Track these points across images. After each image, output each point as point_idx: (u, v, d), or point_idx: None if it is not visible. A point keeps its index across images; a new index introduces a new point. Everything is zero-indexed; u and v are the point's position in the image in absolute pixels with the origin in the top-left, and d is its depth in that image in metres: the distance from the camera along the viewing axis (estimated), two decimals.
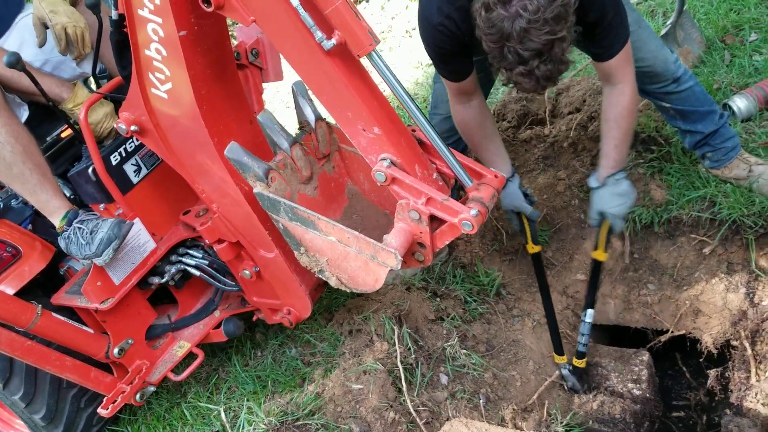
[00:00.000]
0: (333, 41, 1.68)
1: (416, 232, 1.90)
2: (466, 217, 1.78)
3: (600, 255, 2.52)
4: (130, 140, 2.41)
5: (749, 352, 2.47)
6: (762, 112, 3.04)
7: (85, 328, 2.47)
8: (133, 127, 2.16)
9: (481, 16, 1.81)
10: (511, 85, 2.05)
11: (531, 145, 3.38)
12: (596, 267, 2.57)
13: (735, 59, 3.46)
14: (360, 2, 7.30)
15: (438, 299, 2.75)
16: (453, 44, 2.18)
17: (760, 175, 2.63)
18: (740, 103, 3.05)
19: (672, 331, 2.76)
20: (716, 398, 2.71)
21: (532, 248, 2.52)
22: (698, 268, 2.72)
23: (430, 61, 2.80)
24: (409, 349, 2.43)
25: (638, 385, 2.63)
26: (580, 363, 2.66)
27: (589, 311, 2.59)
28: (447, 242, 1.92)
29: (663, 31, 3.57)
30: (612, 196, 2.34)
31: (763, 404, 2.24)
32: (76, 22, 2.27)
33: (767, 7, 3.74)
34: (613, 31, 2.13)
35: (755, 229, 2.54)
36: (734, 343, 2.58)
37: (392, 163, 1.83)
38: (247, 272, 2.44)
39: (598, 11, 2.04)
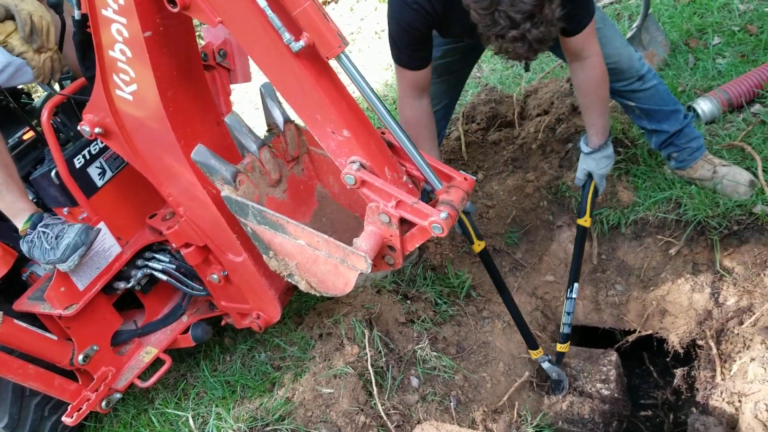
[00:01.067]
0: (301, 43, 1.66)
1: (386, 235, 1.89)
2: (435, 220, 1.78)
3: (587, 221, 2.58)
4: (95, 142, 2.36)
5: (714, 351, 2.51)
6: (725, 115, 3.10)
7: (48, 334, 2.41)
8: (97, 129, 2.11)
9: None
10: (503, 56, 2.01)
11: (500, 147, 3.40)
12: (582, 235, 2.62)
13: (699, 62, 3.52)
14: (329, 4, 7.28)
15: (408, 302, 2.75)
16: (426, 25, 2.20)
17: (724, 176, 2.68)
18: (704, 106, 3.10)
19: (639, 331, 2.80)
20: (683, 397, 2.76)
21: (478, 246, 2.48)
22: (664, 268, 2.76)
23: None
24: (380, 352, 2.42)
25: (607, 385, 2.66)
26: (564, 347, 2.67)
27: (575, 286, 2.61)
28: (417, 245, 1.92)
29: (629, 34, 3.63)
30: (601, 159, 2.47)
31: (728, 402, 2.27)
32: (42, 13, 2.21)
33: (729, 11, 3.81)
34: (585, 6, 2.17)
35: (719, 230, 2.58)
36: (700, 342, 2.62)
37: (362, 165, 1.82)
38: (215, 276, 2.40)
39: None
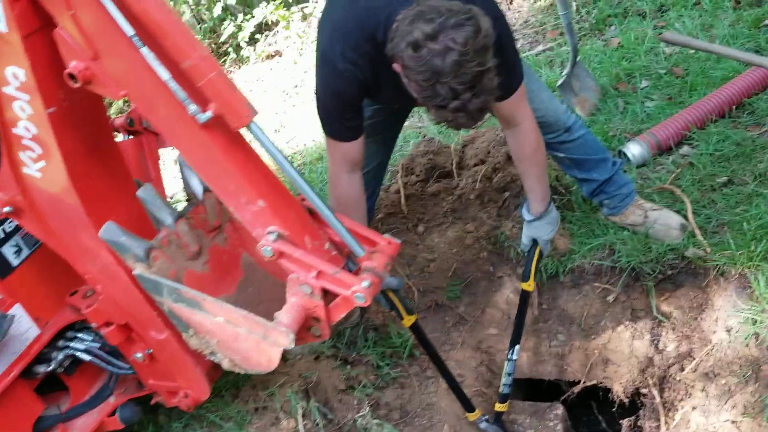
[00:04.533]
0: (208, 114, 1.62)
1: (310, 307, 1.82)
2: (358, 290, 1.72)
3: (530, 285, 2.55)
4: (8, 220, 2.26)
5: (658, 400, 2.48)
6: (655, 158, 3.15)
7: None
8: (6, 209, 2.02)
9: (409, 56, 1.77)
10: (443, 124, 2.00)
11: (439, 199, 3.37)
12: (524, 299, 2.59)
13: (628, 106, 3.58)
14: (273, 57, 7.30)
15: (349, 366, 2.66)
16: (358, 93, 2.14)
17: (655, 220, 2.69)
18: (634, 150, 3.14)
19: (584, 382, 2.76)
20: None
21: (408, 320, 2.39)
22: (604, 316, 2.74)
23: None
24: (317, 424, 2.32)
25: None
26: (503, 407, 2.62)
27: (516, 348, 2.57)
28: (343, 314, 1.85)
29: (559, 82, 3.69)
30: (545, 225, 2.47)
31: None
32: None
33: (656, 55, 3.92)
34: (512, 70, 2.17)
35: (654, 275, 2.58)
36: (644, 391, 2.59)
37: (280, 236, 1.76)
38: (139, 355, 2.28)
39: (499, 51, 2.06)
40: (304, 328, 1.88)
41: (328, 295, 1.81)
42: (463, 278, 3.05)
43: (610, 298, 2.72)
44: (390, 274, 2.92)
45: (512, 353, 2.56)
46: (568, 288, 2.84)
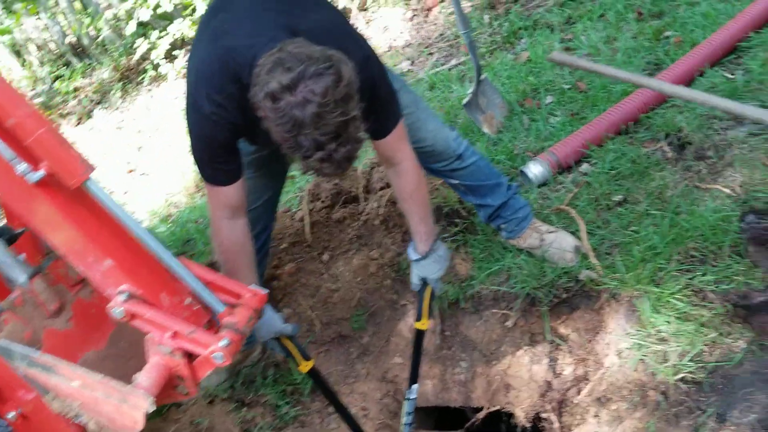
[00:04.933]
0: (40, 173, 1.52)
1: (172, 366, 1.73)
2: (216, 349, 1.64)
3: (424, 324, 2.49)
4: None
5: (556, 425, 2.47)
6: (556, 176, 3.15)
7: None
8: None
9: (267, 107, 1.69)
10: (310, 173, 1.94)
11: (345, 225, 3.31)
12: (419, 338, 2.53)
13: (533, 123, 3.59)
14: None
15: (245, 408, 2.58)
16: (230, 136, 2.03)
17: (551, 244, 2.69)
18: (535, 170, 3.14)
19: (488, 408, 2.74)
20: None
21: (305, 366, 2.33)
22: (504, 341, 2.73)
23: None
24: None
25: None
26: None
27: (414, 386, 2.53)
28: (209, 373, 1.77)
29: (465, 100, 3.67)
30: (432, 264, 2.40)
31: None
32: None
33: (562, 69, 3.93)
34: (388, 108, 2.12)
35: (548, 300, 2.57)
36: (544, 415, 2.58)
37: (131, 296, 1.67)
38: (11, 414, 2.15)
39: (371, 91, 2.02)
40: (171, 386, 1.79)
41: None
42: (368, 307, 3.00)
43: (509, 323, 2.71)
44: (290, 314, 2.86)
45: (411, 392, 2.51)
46: (469, 314, 2.82)
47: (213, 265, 3.09)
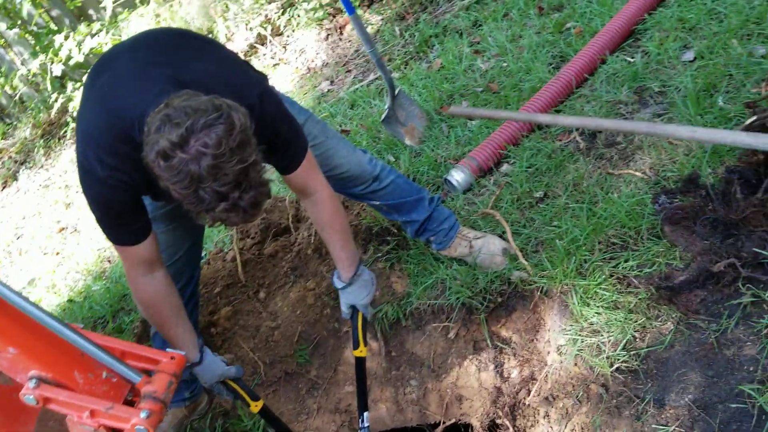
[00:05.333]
0: None
1: None
2: (137, 422, 1.58)
3: (362, 351, 2.48)
4: None
5: (511, 429, 2.47)
6: (478, 180, 3.17)
7: None
8: None
9: (161, 166, 1.63)
10: (219, 224, 1.89)
11: (278, 259, 3.27)
12: (360, 365, 2.51)
13: (452, 129, 3.61)
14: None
15: None
16: (131, 197, 1.96)
17: (480, 249, 2.70)
18: (458, 177, 3.15)
19: (443, 423, 2.73)
20: None
21: (256, 407, 2.33)
22: (449, 353, 2.72)
23: None
24: None
25: None
26: None
27: (366, 415, 2.50)
28: None
29: (383, 116, 3.67)
30: (359, 289, 2.39)
31: None
32: None
33: (474, 72, 3.98)
34: (292, 142, 2.10)
35: (484, 306, 2.58)
36: (499, 421, 2.58)
37: (41, 380, 1.60)
38: None
39: (271, 128, 1.99)
40: None
41: None
42: (310, 340, 2.96)
43: (451, 334, 2.71)
44: (232, 358, 2.81)
45: (362, 421, 2.48)
46: (412, 331, 2.81)
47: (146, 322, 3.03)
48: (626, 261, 2.34)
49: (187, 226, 2.56)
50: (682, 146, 2.59)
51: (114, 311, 3.77)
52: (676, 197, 2.39)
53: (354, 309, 2.44)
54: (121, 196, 1.94)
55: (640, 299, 2.19)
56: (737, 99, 2.60)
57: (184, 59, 1.96)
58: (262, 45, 6.42)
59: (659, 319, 2.14)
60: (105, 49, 6.19)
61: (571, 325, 2.31)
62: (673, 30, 3.21)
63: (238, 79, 2.02)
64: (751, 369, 1.89)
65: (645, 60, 3.16)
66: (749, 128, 2.25)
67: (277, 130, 2.03)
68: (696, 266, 2.15)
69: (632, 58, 3.26)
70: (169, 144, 1.61)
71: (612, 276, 2.31)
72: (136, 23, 6.59)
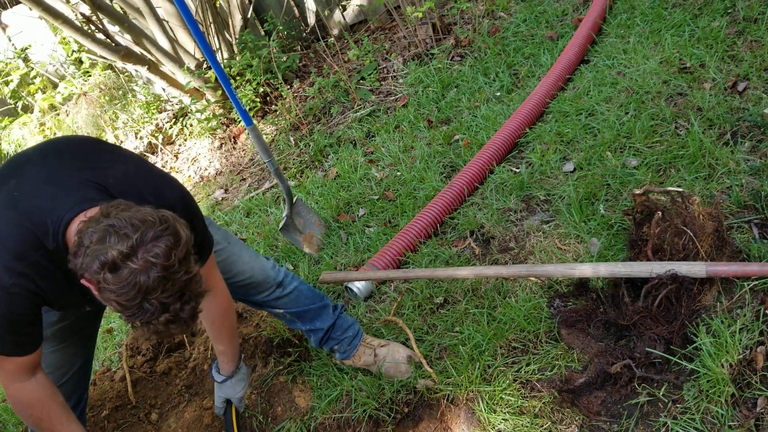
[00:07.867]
0: None
1: None
2: None
3: None
4: None
5: None
6: (379, 287, 3.19)
7: None
8: None
9: (107, 278, 1.56)
10: (151, 337, 1.80)
11: (172, 376, 3.09)
12: None
13: (350, 236, 3.65)
14: None
15: None
16: (33, 307, 1.82)
17: (384, 358, 2.68)
18: (358, 284, 3.16)
19: None
20: None
21: None
22: None
23: None
24: None
25: None
26: None
27: None
28: None
29: (281, 224, 3.67)
30: (236, 383, 2.47)
31: None
32: None
33: (369, 180, 4.09)
34: (203, 239, 2.08)
35: (391, 417, 2.53)
36: None
37: None
38: None
39: (190, 225, 1.94)
40: None
41: None
42: None
43: None
44: None
45: None
46: None
47: None
48: (528, 365, 2.39)
49: (79, 345, 2.43)
50: (570, 251, 2.75)
51: None
52: (570, 300, 2.51)
53: (228, 403, 2.51)
54: (22, 307, 1.81)
55: (544, 403, 2.23)
56: (616, 207, 2.82)
57: (99, 163, 1.93)
58: (153, 154, 6.33)
59: (564, 423, 2.18)
60: None
61: None
62: (552, 143, 3.48)
63: (157, 179, 2.01)
64: None
65: (530, 170, 3.38)
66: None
67: (195, 227, 1.99)
68: (594, 368, 2.23)
69: (517, 168, 3.49)
70: (118, 254, 1.56)
71: (516, 381, 2.35)
72: (18, 132, 6.33)
